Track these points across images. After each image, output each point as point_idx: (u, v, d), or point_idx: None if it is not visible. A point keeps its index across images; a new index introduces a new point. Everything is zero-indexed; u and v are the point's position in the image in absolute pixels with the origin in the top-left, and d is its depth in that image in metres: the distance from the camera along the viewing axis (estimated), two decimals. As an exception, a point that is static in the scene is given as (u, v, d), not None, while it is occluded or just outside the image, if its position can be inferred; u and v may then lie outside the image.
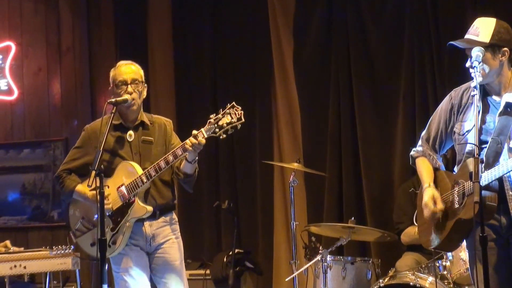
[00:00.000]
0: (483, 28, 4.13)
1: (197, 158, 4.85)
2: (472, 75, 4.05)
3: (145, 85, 5.07)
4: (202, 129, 4.72)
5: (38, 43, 8.50)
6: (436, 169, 4.41)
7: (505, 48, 4.12)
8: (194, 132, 4.72)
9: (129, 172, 4.90)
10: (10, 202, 8.44)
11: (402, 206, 6.46)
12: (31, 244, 7.75)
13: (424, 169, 4.41)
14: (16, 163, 8.42)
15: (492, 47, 4.10)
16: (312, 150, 7.45)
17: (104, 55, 8.25)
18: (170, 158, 4.79)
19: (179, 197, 5.25)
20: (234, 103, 4.72)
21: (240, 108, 4.71)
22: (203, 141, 4.70)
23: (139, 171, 4.86)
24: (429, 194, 4.26)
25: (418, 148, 4.50)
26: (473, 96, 4.03)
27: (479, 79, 4.06)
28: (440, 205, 4.20)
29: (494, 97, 4.18)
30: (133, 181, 4.85)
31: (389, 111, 7.22)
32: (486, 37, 4.10)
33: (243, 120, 4.71)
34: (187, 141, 4.71)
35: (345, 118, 7.33)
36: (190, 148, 4.71)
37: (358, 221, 6.32)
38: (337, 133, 7.36)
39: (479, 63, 4.03)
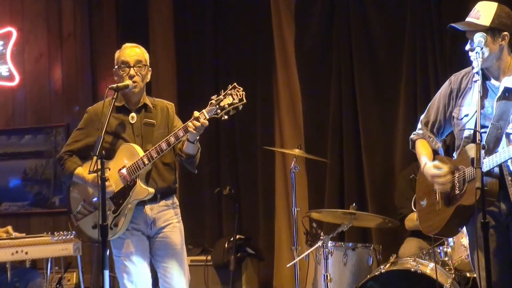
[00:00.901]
0: (484, 11, 4.11)
1: (198, 137, 4.84)
2: (472, 59, 4.04)
3: (150, 68, 5.06)
4: (204, 111, 4.70)
5: (39, 29, 8.50)
6: (435, 153, 4.39)
7: (505, 33, 4.11)
8: (196, 113, 4.70)
9: (130, 154, 4.88)
10: (11, 188, 8.45)
11: (403, 191, 6.45)
12: (33, 230, 7.76)
13: (423, 150, 4.39)
14: (18, 149, 8.43)
15: (492, 30, 4.09)
16: (314, 136, 7.45)
17: (105, 40, 8.25)
18: (172, 139, 4.77)
19: (180, 184, 5.24)
20: (235, 84, 4.70)
21: (241, 89, 4.69)
22: (206, 122, 4.69)
23: (141, 153, 4.85)
24: (429, 166, 4.24)
25: (418, 131, 4.50)
26: (475, 81, 4.02)
27: (481, 64, 4.06)
28: (445, 168, 4.18)
29: (493, 81, 4.17)
30: (134, 163, 4.83)
31: (391, 97, 7.21)
32: (486, 21, 4.08)
33: (244, 101, 4.69)
34: (189, 123, 4.70)
35: (347, 104, 7.32)
36: (194, 131, 4.70)
37: (360, 207, 6.31)
38: (339, 119, 7.35)
39: (481, 49, 4.02)
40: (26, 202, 8.40)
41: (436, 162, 4.25)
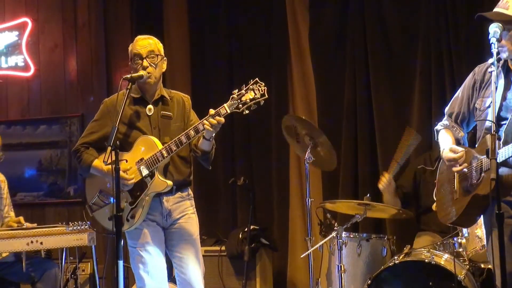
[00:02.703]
0: None
1: (213, 135, 4.85)
2: (492, 50, 4.02)
3: (165, 58, 5.05)
4: (225, 105, 4.72)
5: (54, 19, 8.50)
6: (458, 143, 4.37)
7: None
8: (211, 111, 4.71)
9: (149, 146, 4.89)
10: (26, 178, 8.47)
11: (403, 181, 6.52)
12: (48, 220, 7.79)
13: (446, 138, 4.39)
14: (33, 139, 8.45)
15: None
16: (328, 126, 7.42)
17: (120, 30, 8.25)
18: (192, 133, 4.77)
19: (194, 174, 5.24)
20: (257, 79, 4.72)
21: (263, 84, 4.71)
22: (222, 120, 4.70)
23: (159, 145, 4.86)
24: (446, 150, 4.24)
25: (444, 122, 4.50)
26: (490, 72, 4.00)
27: (504, 55, 4.04)
28: (461, 152, 4.16)
29: (516, 73, 4.15)
30: (153, 155, 4.84)
31: (405, 87, 7.18)
32: None
33: (266, 96, 4.71)
34: (205, 121, 4.71)
35: (361, 94, 7.31)
36: (210, 129, 4.71)
37: (374, 198, 6.31)
38: (353, 109, 7.33)
39: (496, 39, 3.99)
40: (41, 192, 8.42)
41: (453, 146, 4.23)
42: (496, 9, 4.13)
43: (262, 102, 4.71)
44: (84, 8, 8.43)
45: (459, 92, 4.45)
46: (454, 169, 4.21)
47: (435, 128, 4.54)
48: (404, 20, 7.24)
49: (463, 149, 4.20)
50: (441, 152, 4.33)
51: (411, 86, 7.12)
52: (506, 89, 4.11)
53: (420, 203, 6.44)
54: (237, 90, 4.72)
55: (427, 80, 7.02)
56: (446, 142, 4.36)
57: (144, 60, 4.92)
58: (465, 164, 4.17)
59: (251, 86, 4.70)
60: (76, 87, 8.41)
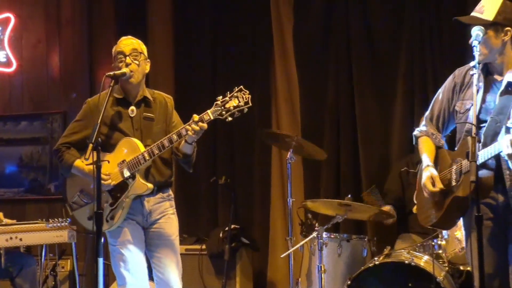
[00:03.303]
0: (488, 6, 4.12)
1: (196, 139, 4.85)
2: (474, 53, 4.05)
3: (148, 60, 5.05)
4: (209, 111, 4.72)
5: (38, 15, 8.47)
6: (438, 147, 4.40)
7: (508, 28, 4.12)
8: (195, 116, 4.71)
9: (131, 148, 4.89)
10: (7, 174, 8.44)
11: (389, 183, 6.56)
12: (28, 216, 7.75)
13: (425, 148, 4.41)
14: (14, 135, 8.41)
15: (495, 25, 4.10)
16: (310, 127, 7.45)
17: (104, 28, 8.21)
18: (175, 137, 4.78)
19: (176, 173, 5.25)
20: (242, 87, 4.74)
21: (247, 92, 4.72)
22: (205, 126, 4.71)
23: (142, 148, 4.86)
24: (427, 175, 4.26)
25: (422, 127, 4.50)
26: (472, 74, 4.03)
27: (480, 57, 4.06)
28: (439, 185, 4.20)
29: (496, 76, 4.18)
30: (135, 157, 4.84)
31: (388, 88, 7.22)
32: (490, 15, 4.09)
33: (250, 104, 4.73)
34: (188, 127, 4.71)
35: (344, 95, 7.33)
36: (193, 135, 4.71)
37: (355, 198, 6.32)
38: (336, 110, 7.36)
39: (478, 43, 4.03)
40: (21, 189, 8.39)
41: (435, 174, 4.24)
42: (473, 13, 4.18)
43: (245, 110, 4.73)
44: (68, 5, 8.39)
45: (438, 95, 4.46)
46: (425, 193, 4.26)
47: (414, 134, 4.55)
48: (388, 21, 7.27)
49: (441, 186, 4.21)
50: (423, 165, 4.33)
51: (394, 86, 7.15)
52: (485, 91, 4.14)
53: (405, 204, 6.47)
54: (221, 97, 4.73)
55: (410, 81, 7.05)
56: (426, 153, 4.37)
57: (127, 57, 4.91)
58: (439, 187, 4.21)
59: (235, 94, 4.71)
60: (59, 83, 8.38)
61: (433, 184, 4.21)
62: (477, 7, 4.18)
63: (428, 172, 4.26)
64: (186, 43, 8.08)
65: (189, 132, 4.71)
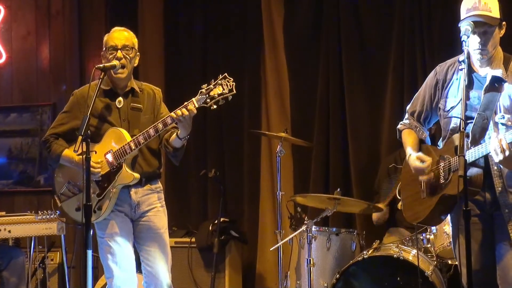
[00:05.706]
0: (491, 4, 4.10)
1: (187, 136, 4.84)
2: (463, 48, 4.04)
3: (138, 53, 5.05)
4: (193, 99, 4.71)
5: (27, 6, 8.43)
6: (421, 142, 4.41)
7: (504, 22, 4.13)
8: (185, 104, 4.71)
9: (118, 138, 4.89)
10: (-4, 166, 8.42)
11: (381, 178, 6.57)
12: (17, 208, 7.73)
13: (409, 140, 4.42)
14: (3, 127, 8.37)
15: (500, 22, 4.11)
16: (300, 120, 7.46)
17: (94, 20, 8.18)
18: (160, 126, 4.77)
19: (166, 165, 5.25)
20: (226, 74, 4.72)
21: (232, 79, 4.71)
22: (194, 110, 4.69)
23: (128, 137, 4.86)
24: (413, 158, 4.26)
25: (405, 121, 4.51)
26: (461, 70, 4.03)
27: (486, 56, 4.08)
28: (428, 161, 4.19)
29: (479, 72, 4.17)
30: (121, 147, 4.84)
31: (378, 83, 7.23)
32: (497, 13, 4.10)
33: (234, 91, 4.71)
34: (178, 111, 4.70)
35: (334, 89, 7.33)
36: (180, 119, 4.69)
37: (344, 192, 6.34)
38: (326, 104, 7.36)
39: (467, 37, 4.01)
40: (10, 181, 8.36)
41: (420, 154, 4.26)
42: (481, 12, 4.07)
43: (230, 98, 4.71)
44: (58, -4, 8.37)
45: (420, 91, 4.47)
46: (421, 177, 4.25)
47: (397, 127, 4.56)
48: (378, 16, 7.28)
49: (430, 158, 4.22)
50: (407, 157, 4.34)
51: (384, 81, 7.16)
52: (468, 88, 4.13)
53: (394, 200, 6.48)
54: (206, 85, 4.72)
55: (399, 76, 7.06)
56: (410, 145, 4.39)
57: (119, 51, 4.91)
58: (432, 174, 4.20)
59: (219, 81, 4.70)
60: (49, 75, 8.35)
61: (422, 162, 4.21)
62: (480, 6, 4.09)
63: (413, 156, 4.27)
64: (176, 36, 8.07)
65: (176, 116, 4.67)
